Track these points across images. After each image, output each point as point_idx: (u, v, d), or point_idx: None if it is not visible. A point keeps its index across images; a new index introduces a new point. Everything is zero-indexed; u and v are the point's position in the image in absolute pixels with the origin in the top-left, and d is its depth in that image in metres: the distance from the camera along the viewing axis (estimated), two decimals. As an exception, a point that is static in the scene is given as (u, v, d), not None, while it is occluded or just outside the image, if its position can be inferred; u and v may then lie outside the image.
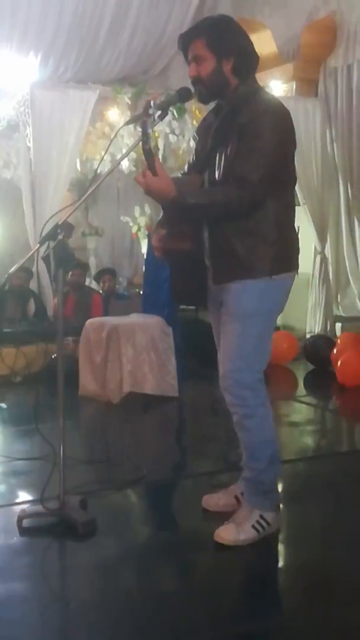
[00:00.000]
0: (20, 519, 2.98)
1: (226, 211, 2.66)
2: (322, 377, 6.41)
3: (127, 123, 2.88)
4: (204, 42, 2.69)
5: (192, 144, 3.12)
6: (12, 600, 2.46)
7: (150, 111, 2.59)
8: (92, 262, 9.87)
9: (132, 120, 2.90)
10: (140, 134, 2.57)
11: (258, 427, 2.79)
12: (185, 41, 2.75)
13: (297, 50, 7.58)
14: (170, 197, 2.60)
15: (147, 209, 8.60)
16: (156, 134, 7.22)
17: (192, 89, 2.78)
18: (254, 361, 2.76)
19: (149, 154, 2.57)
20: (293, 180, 2.84)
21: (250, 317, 2.74)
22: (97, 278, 8.21)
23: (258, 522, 2.80)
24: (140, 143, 2.56)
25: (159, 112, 2.77)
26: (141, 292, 7.54)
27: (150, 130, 2.56)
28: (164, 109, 2.74)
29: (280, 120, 2.68)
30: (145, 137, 2.54)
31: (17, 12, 6.71)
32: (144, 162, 2.61)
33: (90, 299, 7.32)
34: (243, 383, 2.75)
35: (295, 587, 2.57)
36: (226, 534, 2.78)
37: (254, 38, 2.85)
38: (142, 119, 2.58)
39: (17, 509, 3.15)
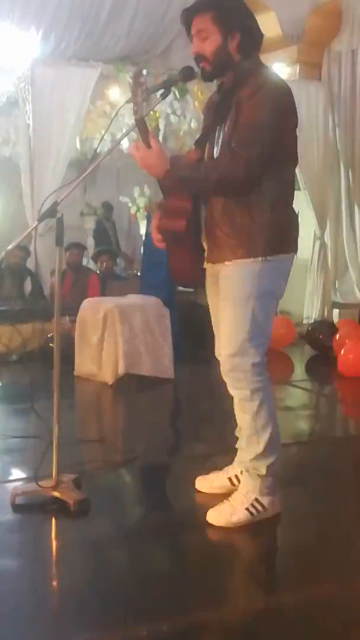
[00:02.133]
0: (13, 496, 2.97)
1: (220, 186, 2.61)
2: (322, 363, 6.41)
3: (128, 101, 2.85)
4: (210, 16, 2.64)
5: (193, 125, 3.10)
6: (4, 576, 2.47)
7: (142, 79, 2.54)
8: (89, 242, 9.85)
9: (151, 90, 2.85)
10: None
11: (258, 410, 2.76)
12: (190, 15, 2.70)
13: (302, 33, 7.52)
14: (163, 170, 2.57)
15: (147, 190, 8.56)
16: (157, 114, 7.17)
17: (195, 68, 2.74)
18: (253, 344, 2.72)
19: (142, 125, 2.54)
20: (292, 159, 2.77)
21: (245, 299, 2.69)
22: (95, 258, 8.19)
23: (253, 505, 2.80)
24: (134, 114, 2.52)
25: (162, 91, 2.74)
26: (138, 274, 7.53)
27: (141, 100, 2.52)
28: (167, 88, 2.71)
29: (278, 96, 2.63)
30: (136, 107, 2.51)
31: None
32: (139, 136, 2.58)
33: (88, 279, 7.31)
34: (242, 366, 2.72)
35: (288, 569, 2.59)
36: (218, 515, 2.78)
37: (258, 19, 2.80)
38: (134, 87, 2.53)
39: (11, 486, 3.15)
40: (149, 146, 2.55)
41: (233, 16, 2.67)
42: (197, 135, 2.98)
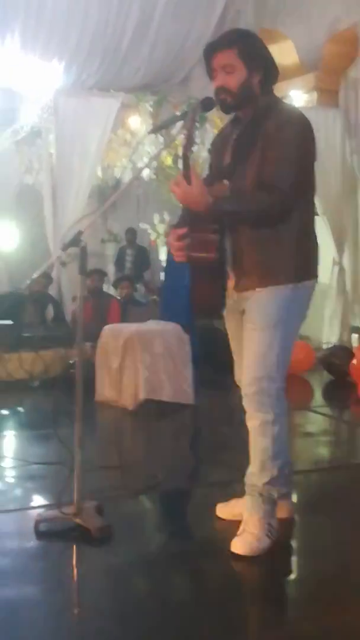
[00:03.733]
0: (37, 523, 3.00)
1: (259, 218, 2.70)
2: (340, 388, 6.39)
3: (160, 128, 2.93)
4: (236, 51, 2.73)
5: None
6: (27, 603, 2.48)
7: (196, 117, 2.61)
8: (110, 268, 9.92)
9: (168, 124, 2.91)
10: (164, 140, 2.60)
11: (277, 435, 2.80)
12: (214, 50, 2.77)
13: (319, 60, 7.60)
14: (205, 205, 2.63)
15: (166, 217, 8.64)
16: (177, 142, 7.26)
17: (215, 99, 2.80)
18: (278, 369, 2.79)
19: (187, 162, 2.60)
20: (314, 189, 2.88)
21: (274, 325, 2.77)
22: (115, 285, 8.26)
23: (269, 529, 2.82)
24: (183, 148, 2.58)
25: (183, 122, 2.80)
26: (158, 299, 7.58)
27: (194, 135, 2.59)
28: (193, 119, 2.77)
29: (304, 131, 2.73)
30: (189, 141, 2.57)
31: (42, 18, 6.79)
32: (179, 171, 2.63)
33: (108, 305, 7.36)
34: (267, 391, 2.77)
35: (307, 598, 2.57)
36: (243, 544, 2.78)
37: (276, 48, 2.90)
38: (190, 122, 2.60)
39: (33, 512, 3.17)
40: (190, 182, 2.61)
41: (257, 53, 2.78)
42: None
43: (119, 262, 10.23)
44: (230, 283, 2.87)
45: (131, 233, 10.15)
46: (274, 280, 2.76)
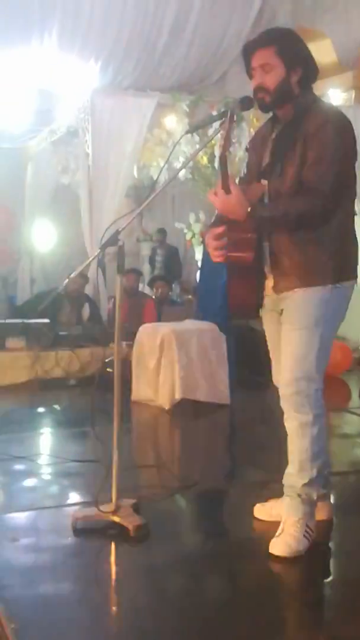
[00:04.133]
0: (75, 520, 3.01)
1: (300, 221, 2.69)
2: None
3: (197, 128, 2.92)
4: (275, 50, 2.71)
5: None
6: (64, 600, 2.50)
7: (235, 117, 2.61)
8: (145, 268, 9.94)
9: (206, 123, 2.91)
10: (200, 139, 2.60)
11: (316, 436, 2.78)
12: (253, 48, 2.77)
13: (357, 59, 7.53)
14: (243, 215, 2.62)
15: (202, 216, 8.63)
16: (213, 142, 7.25)
17: (253, 97, 2.79)
18: (316, 370, 2.77)
19: (225, 165, 2.59)
20: (354, 190, 2.85)
21: (314, 325, 2.75)
22: (151, 284, 8.28)
23: (307, 531, 2.80)
24: (221, 149, 2.57)
25: (220, 122, 2.79)
26: (193, 299, 7.58)
27: (232, 139, 2.59)
28: (231, 119, 2.76)
29: (344, 131, 2.71)
30: (227, 144, 2.57)
31: (79, 18, 6.83)
32: (217, 175, 2.63)
33: (144, 305, 7.38)
34: (305, 392, 2.76)
35: (346, 600, 2.55)
36: (283, 545, 2.76)
37: (314, 46, 2.88)
38: (229, 122, 2.60)
39: (69, 510, 3.19)
40: (228, 191, 2.61)
41: (296, 51, 2.76)
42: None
43: (151, 262, 10.25)
44: (269, 283, 2.86)
45: (162, 233, 10.16)
46: (313, 280, 2.74)
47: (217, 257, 2.79)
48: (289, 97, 2.77)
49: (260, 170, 2.88)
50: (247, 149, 3.10)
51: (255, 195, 2.74)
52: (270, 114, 2.90)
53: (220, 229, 2.75)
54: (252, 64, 2.77)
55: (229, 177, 2.62)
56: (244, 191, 2.70)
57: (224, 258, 2.76)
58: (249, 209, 2.62)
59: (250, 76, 2.81)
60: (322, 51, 6.86)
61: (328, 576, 2.77)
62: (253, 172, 2.94)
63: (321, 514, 2.95)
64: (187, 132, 3.05)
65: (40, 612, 2.38)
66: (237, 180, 3.00)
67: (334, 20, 7.54)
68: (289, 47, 2.74)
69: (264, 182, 2.80)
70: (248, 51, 2.78)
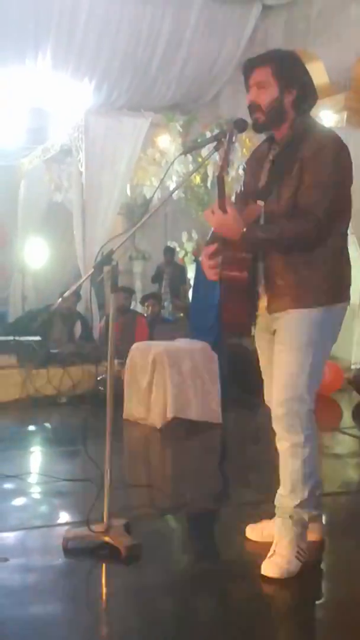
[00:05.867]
0: (66, 541, 2.99)
1: (293, 244, 2.71)
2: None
3: (192, 149, 2.94)
4: (271, 69, 2.75)
5: (241, 172, 3.14)
6: (55, 620, 2.48)
7: (234, 138, 2.63)
8: (137, 286, 9.95)
9: (201, 145, 2.92)
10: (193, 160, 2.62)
11: (307, 457, 2.78)
12: (252, 66, 2.80)
13: (349, 81, 7.62)
14: (239, 233, 2.64)
15: (194, 235, 8.67)
16: (207, 162, 7.30)
17: (248, 119, 2.82)
18: (308, 391, 2.77)
19: (222, 187, 2.60)
20: (349, 213, 2.86)
21: (306, 346, 2.76)
22: (142, 302, 8.29)
23: (299, 552, 2.79)
24: (219, 169, 2.59)
25: (215, 143, 2.81)
26: (185, 317, 7.58)
27: (231, 159, 2.60)
28: (229, 140, 2.78)
29: (341, 155, 2.73)
30: (225, 164, 2.58)
31: (73, 38, 6.90)
32: (216, 200, 2.64)
33: (135, 323, 7.38)
34: (297, 413, 2.76)
35: (337, 622, 2.54)
36: (274, 566, 2.75)
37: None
38: (227, 145, 2.62)
39: (60, 529, 3.17)
40: (225, 211, 2.62)
41: (293, 73, 2.79)
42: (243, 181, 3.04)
43: (157, 279, 10.12)
44: (262, 303, 2.87)
45: (170, 252, 10.04)
46: (307, 302, 2.75)
47: (212, 275, 2.80)
48: (282, 118, 2.79)
49: (256, 190, 2.90)
50: (244, 169, 3.12)
51: (251, 216, 2.76)
52: (266, 134, 2.92)
53: (212, 248, 2.77)
54: (249, 82, 2.81)
55: (226, 196, 2.63)
56: (241, 211, 2.72)
57: (218, 276, 2.77)
58: (244, 230, 2.64)
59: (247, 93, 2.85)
60: (314, 73, 6.88)
61: (320, 597, 2.76)
62: (248, 193, 2.96)
63: (312, 534, 2.94)
64: (181, 154, 3.08)
65: (30, 633, 2.37)
66: (233, 198, 3.03)
67: (325, 42, 7.65)
68: (285, 67, 2.77)
69: (261, 203, 2.82)
70: (247, 69, 2.83)
